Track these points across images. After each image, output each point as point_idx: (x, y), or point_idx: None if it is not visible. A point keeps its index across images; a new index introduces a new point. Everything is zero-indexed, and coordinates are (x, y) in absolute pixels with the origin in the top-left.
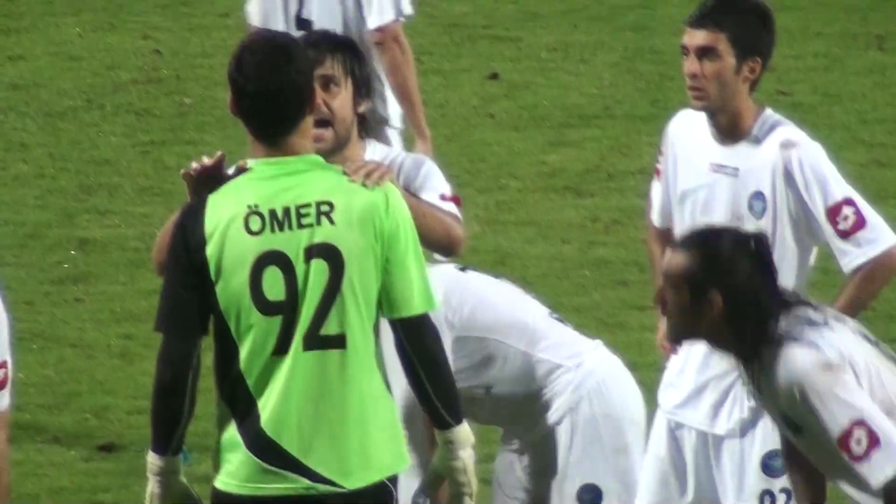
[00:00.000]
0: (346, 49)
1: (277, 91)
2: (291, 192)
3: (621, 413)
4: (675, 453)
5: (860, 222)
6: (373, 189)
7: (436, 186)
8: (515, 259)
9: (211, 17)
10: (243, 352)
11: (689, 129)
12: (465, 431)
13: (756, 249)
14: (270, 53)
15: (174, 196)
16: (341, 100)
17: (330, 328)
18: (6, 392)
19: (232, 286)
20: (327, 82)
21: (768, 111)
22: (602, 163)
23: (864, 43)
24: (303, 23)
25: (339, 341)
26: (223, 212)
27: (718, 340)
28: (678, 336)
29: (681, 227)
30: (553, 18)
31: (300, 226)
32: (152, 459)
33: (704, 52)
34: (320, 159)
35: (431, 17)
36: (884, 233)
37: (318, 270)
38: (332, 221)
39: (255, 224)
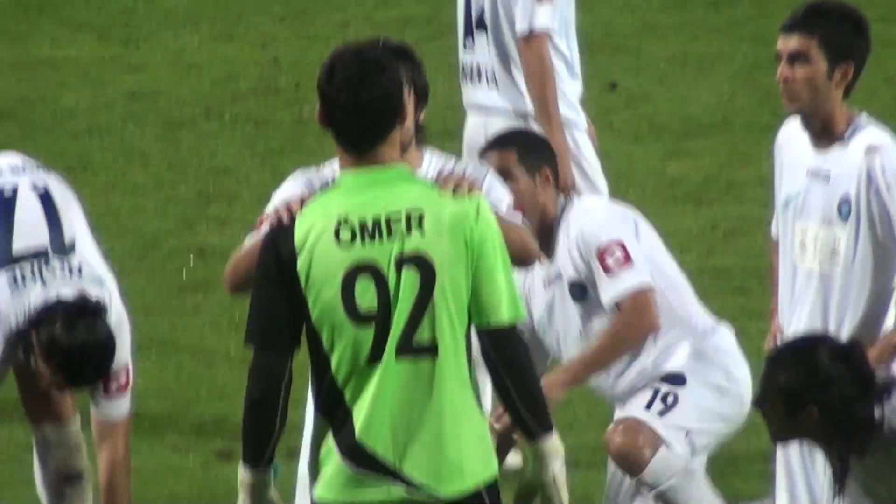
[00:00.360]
0: (406, 58)
1: (369, 103)
2: (381, 203)
3: (735, 377)
4: (787, 458)
5: None
6: (462, 199)
7: (502, 197)
8: None
9: (330, 28)
10: (334, 362)
11: (794, 137)
12: (554, 443)
13: (851, 358)
14: (362, 65)
15: None
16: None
17: (422, 337)
18: (127, 396)
19: (324, 297)
20: None
21: (862, 116)
22: (721, 172)
23: None
24: (481, 25)
25: (431, 349)
26: (313, 224)
27: (818, 441)
28: (779, 439)
29: (783, 235)
30: (671, 30)
31: (390, 236)
32: (243, 473)
33: (796, 57)
34: (408, 170)
35: None
36: None
37: (410, 279)
38: (422, 231)
39: (346, 235)
